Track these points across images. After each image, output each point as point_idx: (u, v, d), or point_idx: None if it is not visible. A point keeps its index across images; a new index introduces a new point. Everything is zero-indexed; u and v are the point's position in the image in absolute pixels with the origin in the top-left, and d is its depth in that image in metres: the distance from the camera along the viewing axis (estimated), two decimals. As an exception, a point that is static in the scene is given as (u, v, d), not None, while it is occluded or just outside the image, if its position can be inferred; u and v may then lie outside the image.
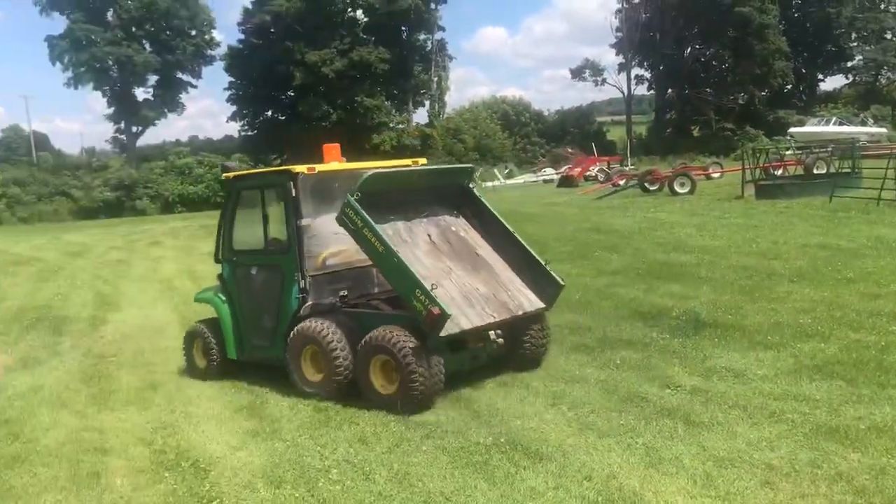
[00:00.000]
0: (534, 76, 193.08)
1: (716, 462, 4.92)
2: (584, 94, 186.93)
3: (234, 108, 63.45)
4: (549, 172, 45.47)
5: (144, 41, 63.19)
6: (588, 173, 38.24)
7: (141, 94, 65.38)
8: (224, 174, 8.38)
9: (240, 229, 7.91)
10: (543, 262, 8.03)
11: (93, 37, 58.59)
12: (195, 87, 68.85)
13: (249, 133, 64.01)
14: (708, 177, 30.01)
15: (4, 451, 5.87)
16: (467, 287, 7.16)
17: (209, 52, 66.39)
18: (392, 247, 6.58)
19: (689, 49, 69.25)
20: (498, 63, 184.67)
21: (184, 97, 68.16)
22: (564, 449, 5.42)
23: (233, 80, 63.06)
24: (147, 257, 19.77)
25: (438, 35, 66.37)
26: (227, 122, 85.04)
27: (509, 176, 46.72)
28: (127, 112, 64.10)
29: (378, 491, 4.85)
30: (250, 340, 7.61)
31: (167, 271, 16.59)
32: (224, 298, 7.89)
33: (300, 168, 7.54)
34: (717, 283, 10.39)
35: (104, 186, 50.71)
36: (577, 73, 74.16)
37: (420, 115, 68.75)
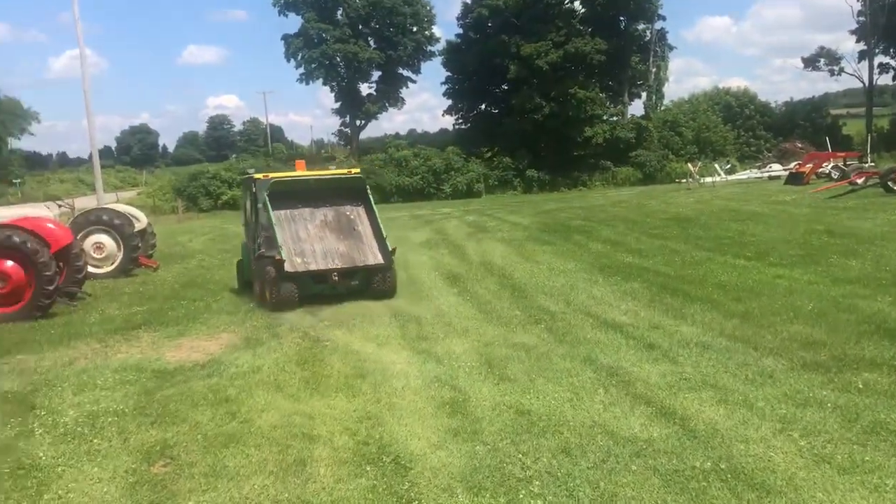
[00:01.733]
0: (761, 66, 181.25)
1: None
2: (816, 85, 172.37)
3: (449, 101, 65.13)
4: (777, 168, 42.28)
5: (369, 38, 66.53)
6: (821, 170, 35.01)
7: (365, 89, 68.99)
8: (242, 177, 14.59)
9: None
10: (384, 236, 12.58)
11: (323, 34, 62.50)
12: (414, 81, 71.70)
13: (463, 126, 65.45)
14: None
15: (223, 430, 6.16)
16: (330, 247, 12.28)
17: (429, 47, 68.68)
18: (273, 222, 11.90)
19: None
20: (720, 53, 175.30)
21: (403, 92, 71.06)
22: (796, 483, 4.77)
23: (449, 74, 64.72)
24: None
25: (658, 24, 63.89)
26: (442, 115, 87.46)
27: (731, 171, 43.97)
28: (351, 106, 67.90)
29: (582, 511, 4.50)
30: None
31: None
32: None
33: (258, 175, 13.20)
34: None
35: (330, 176, 53.60)
36: (809, 63, 68.41)
37: (636, 108, 66.64)
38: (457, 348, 8.50)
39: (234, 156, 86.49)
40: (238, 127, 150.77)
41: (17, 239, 11.43)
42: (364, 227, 12.89)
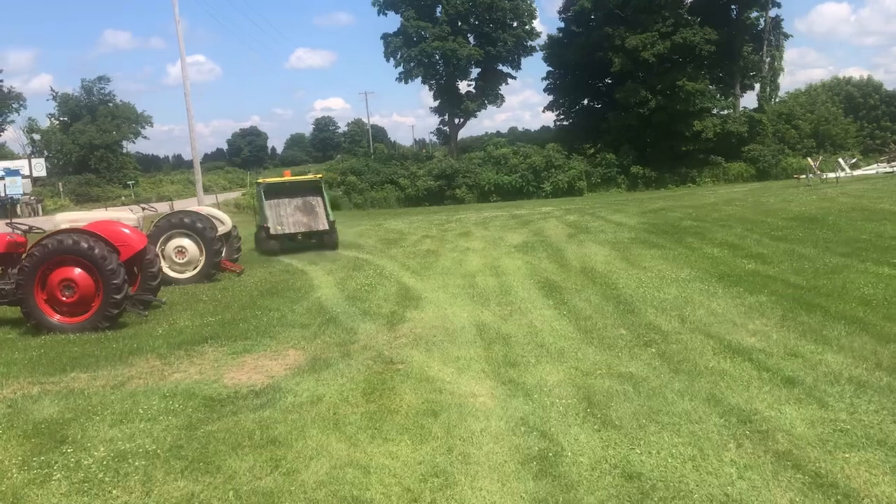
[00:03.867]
0: (882, 54, 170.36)
1: None
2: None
3: (550, 97, 63.43)
4: (911, 163, 38.70)
5: (469, 34, 65.52)
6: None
7: (464, 87, 68.06)
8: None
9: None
10: (329, 214, 21.44)
11: (422, 32, 61.88)
12: (514, 77, 70.37)
13: (565, 122, 63.65)
14: None
15: (260, 485, 5.08)
16: (298, 220, 21.32)
17: (529, 42, 67.10)
18: (265, 207, 21.07)
19: None
20: (836, 42, 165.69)
21: (504, 89, 69.70)
22: None
23: (551, 69, 62.97)
24: (456, 248, 19.48)
25: (773, 12, 60.15)
26: (542, 112, 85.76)
27: (855, 166, 40.52)
28: (450, 104, 67.11)
29: None
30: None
31: (472, 265, 15.94)
32: None
33: (260, 180, 22.84)
34: None
35: (428, 176, 53.17)
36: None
37: (748, 100, 63.08)
38: (550, 378, 7.17)
39: (338, 156, 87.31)
40: (343, 128, 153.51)
41: (84, 245, 10.80)
42: (319, 208, 21.65)
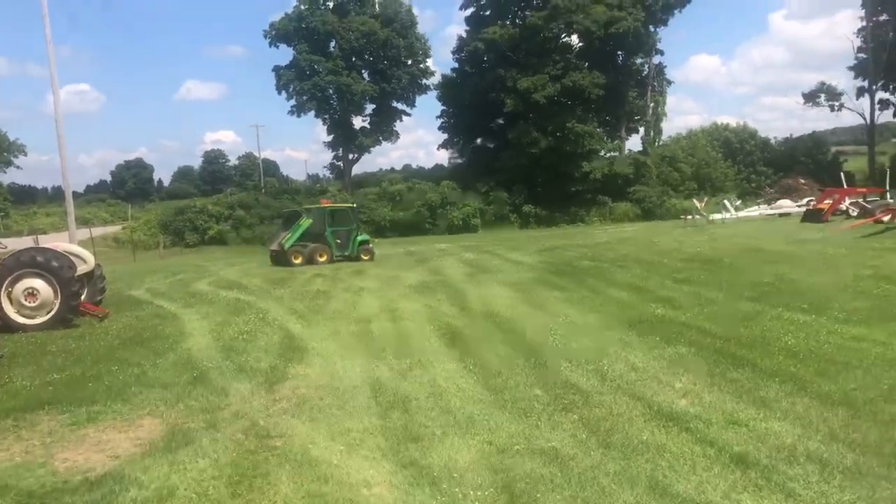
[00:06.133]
0: (750, 104, 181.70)
1: None
2: (804, 125, 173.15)
3: (445, 135, 63.30)
4: (788, 204, 40.18)
5: (363, 70, 64.74)
6: (840, 207, 32.90)
7: (358, 122, 67.09)
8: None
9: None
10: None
11: (315, 66, 60.62)
12: (409, 114, 69.98)
13: (459, 160, 63.61)
14: None
15: None
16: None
17: (423, 80, 66.97)
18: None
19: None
20: (709, 91, 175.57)
21: (398, 126, 69.20)
22: None
23: (445, 107, 62.88)
24: (349, 288, 18.12)
25: (656, 59, 62.42)
26: (437, 149, 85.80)
27: (739, 208, 41.80)
28: (344, 139, 65.93)
29: None
30: None
31: (367, 308, 14.63)
32: None
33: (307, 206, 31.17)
34: None
35: (322, 211, 51.54)
36: (810, 98, 66.97)
37: (633, 143, 64.99)
38: (460, 457, 5.96)
39: (228, 190, 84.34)
40: (233, 161, 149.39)
41: None
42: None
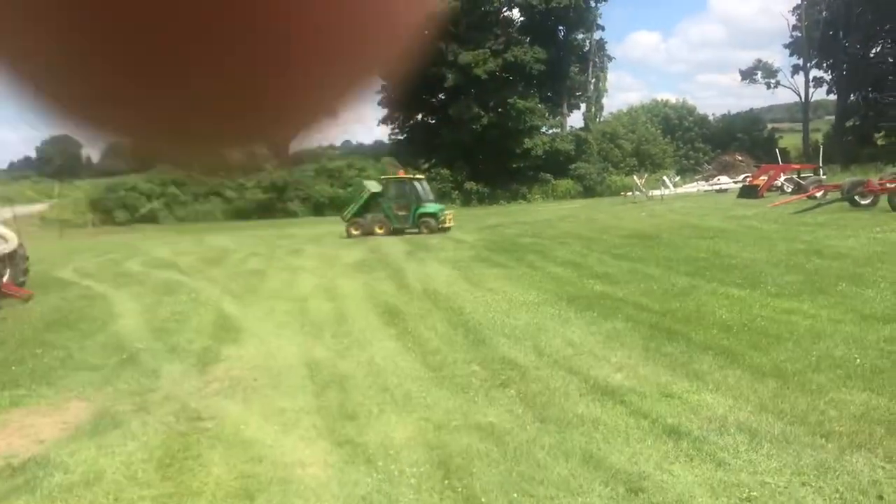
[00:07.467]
0: (688, 81, 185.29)
1: None
2: (741, 102, 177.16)
3: (384, 111, 62.64)
4: (725, 181, 41.04)
5: (300, 43, 63.55)
6: (774, 183, 33.75)
7: (295, 96, 65.99)
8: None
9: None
10: None
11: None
12: (348, 90, 68.84)
13: (399, 137, 63.10)
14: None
15: None
16: None
17: (363, 54, 66.05)
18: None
19: (877, 48, 62.41)
20: (649, 68, 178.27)
21: (337, 101, 68.20)
22: None
23: (384, 82, 62.17)
24: (286, 267, 17.84)
25: (597, 35, 62.77)
26: (377, 125, 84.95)
27: (678, 185, 42.56)
28: (281, 115, 64.73)
29: None
30: None
31: (304, 287, 14.42)
32: None
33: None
34: None
35: (257, 188, 50.76)
36: (747, 75, 68.36)
37: (575, 119, 65.41)
38: (397, 434, 5.89)
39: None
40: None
41: None
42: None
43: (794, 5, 64.11)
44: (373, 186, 27.97)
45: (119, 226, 48.78)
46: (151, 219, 49.71)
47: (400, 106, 61.13)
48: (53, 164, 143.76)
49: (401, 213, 26.79)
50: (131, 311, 12.31)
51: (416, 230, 26.28)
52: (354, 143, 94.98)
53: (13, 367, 8.82)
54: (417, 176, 30.17)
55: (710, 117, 73.80)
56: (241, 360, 8.72)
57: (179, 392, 7.42)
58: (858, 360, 7.24)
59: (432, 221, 26.48)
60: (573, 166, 57.17)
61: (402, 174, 29.27)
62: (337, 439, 5.87)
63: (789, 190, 32.29)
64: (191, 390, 7.48)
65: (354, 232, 26.39)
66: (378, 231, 26.36)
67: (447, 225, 26.65)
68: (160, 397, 7.27)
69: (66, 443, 6.11)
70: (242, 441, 5.91)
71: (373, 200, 27.27)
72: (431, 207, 27.28)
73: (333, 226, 32.52)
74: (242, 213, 49.28)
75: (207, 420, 6.50)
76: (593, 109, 65.07)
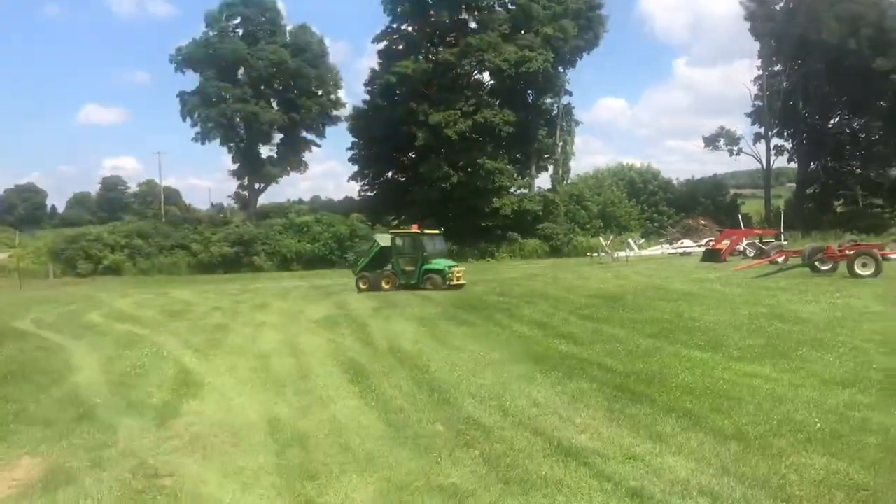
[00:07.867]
0: (654, 146, 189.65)
1: None
2: (705, 167, 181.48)
3: (355, 167, 63.03)
4: (689, 244, 41.68)
5: (272, 99, 64.02)
6: (737, 247, 34.40)
7: (266, 151, 66.11)
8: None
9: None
10: None
11: (223, 93, 59.60)
12: (318, 145, 69.37)
13: (369, 193, 63.34)
14: (884, 257, 25.59)
15: None
16: None
17: (334, 111, 66.69)
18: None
19: (835, 119, 64.53)
20: (616, 133, 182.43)
21: (307, 157, 68.59)
22: None
23: (356, 140, 62.76)
24: (249, 322, 17.66)
25: (565, 99, 64.14)
26: (347, 181, 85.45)
27: (643, 247, 43.15)
28: (251, 168, 64.80)
29: None
30: None
31: (267, 343, 14.28)
32: None
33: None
34: None
35: (223, 241, 50.48)
36: (710, 142, 69.93)
37: (542, 180, 66.34)
38: (357, 495, 5.81)
39: (126, 218, 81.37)
40: (133, 188, 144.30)
41: None
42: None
43: (756, 76, 66.17)
44: (383, 240, 27.15)
45: (81, 277, 48.04)
46: (115, 270, 49.06)
47: (370, 162, 61.67)
48: (16, 213, 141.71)
49: (408, 268, 25.83)
50: (90, 364, 12.08)
51: (423, 286, 25.22)
52: (324, 198, 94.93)
53: (-36, 421, 8.57)
54: (430, 231, 28.65)
55: (675, 181, 75.18)
56: (201, 415, 8.58)
57: (137, 448, 7.26)
58: (819, 425, 7.33)
59: (438, 278, 25.26)
60: (541, 226, 57.77)
61: (415, 228, 27.78)
62: (297, 499, 5.78)
63: (751, 255, 32.89)
64: (149, 446, 7.32)
65: (362, 286, 25.68)
66: (384, 286, 25.46)
67: (457, 282, 25.40)
68: (117, 453, 7.10)
69: (14, 501, 5.94)
70: (200, 500, 5.79)
71: (383, 254, 26.45)
72: (438, 264, 26.03)
73: (300, 280, 32.33)
74: (207, 267, 48.88)
75: (165, 477, 6.36)
76: (560, 171, 66.03)
